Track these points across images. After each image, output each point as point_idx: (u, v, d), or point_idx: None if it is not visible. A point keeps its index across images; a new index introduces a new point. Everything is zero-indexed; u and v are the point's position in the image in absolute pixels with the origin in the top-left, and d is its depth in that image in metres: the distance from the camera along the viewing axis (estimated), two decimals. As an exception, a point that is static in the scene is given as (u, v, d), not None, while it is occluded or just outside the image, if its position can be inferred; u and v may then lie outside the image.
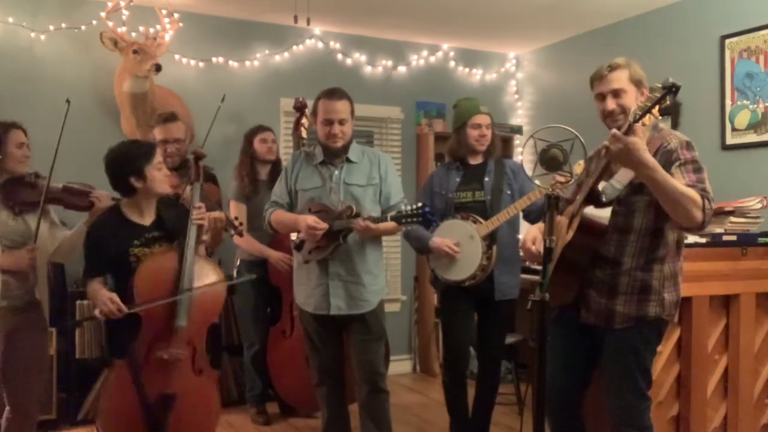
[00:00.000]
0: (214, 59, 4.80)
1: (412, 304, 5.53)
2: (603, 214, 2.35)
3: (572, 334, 2.51)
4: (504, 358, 3.75)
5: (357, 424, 3.19)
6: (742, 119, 4.05)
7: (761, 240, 3.26)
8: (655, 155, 2.21)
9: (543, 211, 2.22)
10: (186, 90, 4.64)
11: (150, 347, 2.75)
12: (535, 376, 2.14)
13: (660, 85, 2.11)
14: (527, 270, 3.76)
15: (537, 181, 2.23)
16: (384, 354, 3.17)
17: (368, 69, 5.33)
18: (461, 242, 3.22)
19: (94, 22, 4.35)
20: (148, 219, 2.85)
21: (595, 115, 2.49)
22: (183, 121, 4.09)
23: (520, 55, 5.89)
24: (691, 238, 3.09)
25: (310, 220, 2.91)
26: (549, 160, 2.14)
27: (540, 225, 2.49)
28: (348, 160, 3.08)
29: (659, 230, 2.34)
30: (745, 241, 3.20)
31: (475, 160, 3.41)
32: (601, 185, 2.33)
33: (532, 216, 3.32)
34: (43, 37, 4.32)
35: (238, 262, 4.22)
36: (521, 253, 2.75)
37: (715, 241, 3.18)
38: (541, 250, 2.19)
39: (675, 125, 4.35)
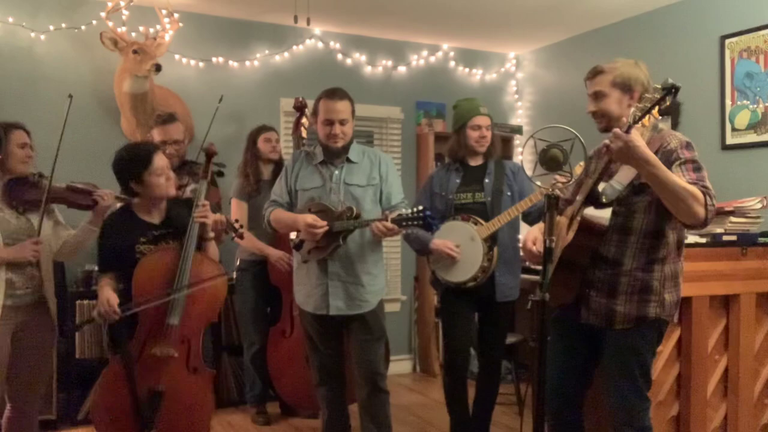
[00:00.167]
0: (214, 59, 4.80)
1: (412, 304, 5.53)
2: (603, 215, 2.35)
3: (572, 334, 2.51)
4: (504, 358, 3.75)
5: (357, 424, 3.19)
6: (742, 119, 4.05)
7: (761, 240, 3.26)
8: (654, 155, 2.21)
9: (542, 213, 2.22)
10: (186, 90, 4.65)
11: (144, 343, 2.78)
12: (535, 376, 2.14)
13: (659, 87, 2.11)
14: (527, 270, 3.76)
15: (537, 182, 2.23)
16: (384, 354, 3.17)
17: (368, 69, 5.33)
18: (462, 244, 3.22)
19: (94, 22, 4.36)
20: (157, 217, 2.93)
21: (594, 115, 2.50)
22: (182, 121, 4.09)
23: (520, 55, 5.89)
24: (691, 238, 3.10)
25: (310, 218, 2.90)
26: (549, 161, 2.14)
27: (540, 225, 2.49)
28: (348, 161, 3.08)
29: (660, 231, 2.34)
30: (745, 241, 3.20)
31: (475, 161, 3.41)
32: (600, 186, 2.34)
33: (531, 217, 3.31)
34: (43, 37, 4.32)
35: (238, 262, 4.22)
36: (521, 254, 2.75)
37: (715, 241, 3.18)
38: (542, 250, 2.19)
39: (675, 125, 4.35)
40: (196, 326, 2.88)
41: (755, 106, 3.98)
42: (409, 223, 2.82)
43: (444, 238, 3.25)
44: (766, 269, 3.23)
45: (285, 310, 4.07)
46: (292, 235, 3.07)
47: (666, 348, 2.97)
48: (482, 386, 3.46)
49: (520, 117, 5.86)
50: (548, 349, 2.10)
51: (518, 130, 5.70)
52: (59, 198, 2.94)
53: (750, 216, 3.26)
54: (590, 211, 2.35)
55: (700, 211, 2.13)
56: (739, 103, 4.07)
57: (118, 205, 3.01)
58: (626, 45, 4.73)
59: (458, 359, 3.38)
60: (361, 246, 3.02)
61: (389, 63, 5.39)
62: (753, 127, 4.00)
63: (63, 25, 4.35)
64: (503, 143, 4.84)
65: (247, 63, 4.91)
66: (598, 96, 2.43)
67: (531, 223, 3.27)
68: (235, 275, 4.19)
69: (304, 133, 4.27)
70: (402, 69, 5.45)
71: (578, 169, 2.64)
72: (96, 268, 3.99)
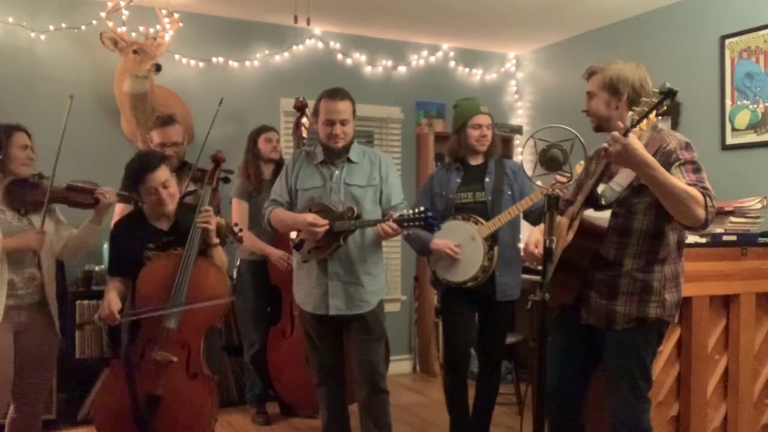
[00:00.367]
0: (214, 59, 4.80)
1: (412, 304, 5.53)
2: (603, 216, 2.35)
3: (572, 334, 2.51)
4: (504, 358, 3.75)
5: (357, 424, 3.19)
6: (742, 119, 4.05)
7: (761, 240, 3.26)
8: (654, 156, 2.20)
9: (543, 212, 2.22)
10: (186, 90, 4.64)
11: (145, 347, 2.77)
12: (535, 376, 2.14)
13: (657, 90, 2.11)
14: (528, 270, 3.76)
15: (538, 182, 2.23)
16: (384, 354, 3.17)
17: (368, 69, 5.33)
18: (462, 243, 3.22)
19: (94, 22, 4.35)
20: (166, 223, 2.95)
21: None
22: (182, 121, 4.09)
23: (520, 55, 5.89)
24: (691, 238, 3.10)
25: (311, 217, 2.90)
26: (549, 161, 2.15)
27: (542, 228, 2.49)
28: (349, 161, 3.07)
29: (660, 231, 2.33)
30: (745, 241, 3.20)
31: (476, 161, 3.41)
32: (600, 188, 2.33)
33: (532, 216, 3.31)
34: (43, 37, 4.32)
35: (238, 262, 4.22)
36: (522, 254, 2.75)
37: (715, 241, 3.18)
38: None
39: (675, 125, 4.35)
40: (195, 331, 2.86)
41: (755, 106, 3.98)
42: (411, 224, 2.81)
43: (444, 237, 3.24)
44: (766, 269, 3.23)
45: (285, 310, 4.08)
46: (293, 235, 3.07)
47: (666, 348, 2.97)
48: (482, 386, 3.46)
49: (520, 117, 5.86)
50: (548, 349, 2.10)
51: (518, 130, 5.70)
52: (61, 198, 2.94)
53: (750, 216, 3.26)
54: (590, 213, 2.35)
55: (700, 212, 2.13)
56: (739, 103, 4.07)
57: (122, 206, 3.02)
58: (626, 45, 4.73)
59: (458, 359, 3.38)
60: (361, 246, 3.02)
61: (389, 63, 5.39)
62: (753, 127, 4.00)
63: (63, 25, 4.35)
64: (503, 143, 4.84)
65: (247, 63, 4.91)
66: (589, 96, 2.47)
67: (533, 222, 3.27)
68: (235, 275, 4.19)
69: (304, 133, 4.28)
70: (402, 69, 5.45)
71: (578, 168, 2.65)
72: (96, 268, 4.01)
